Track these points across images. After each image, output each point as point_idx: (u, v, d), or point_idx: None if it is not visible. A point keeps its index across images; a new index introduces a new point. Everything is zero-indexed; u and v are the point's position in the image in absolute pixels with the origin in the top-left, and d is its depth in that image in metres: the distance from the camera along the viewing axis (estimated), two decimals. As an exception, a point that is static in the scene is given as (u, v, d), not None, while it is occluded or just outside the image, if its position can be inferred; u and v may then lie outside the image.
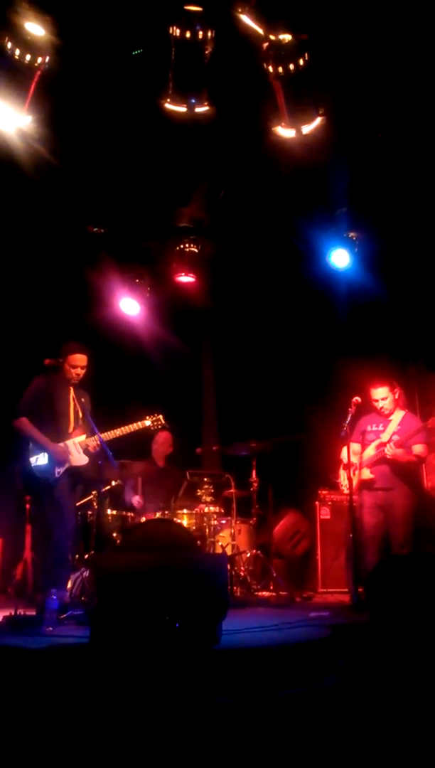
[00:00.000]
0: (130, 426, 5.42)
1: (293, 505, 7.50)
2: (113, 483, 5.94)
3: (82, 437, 5.02)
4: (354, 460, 5.46)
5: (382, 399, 5.53)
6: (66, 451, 4.90)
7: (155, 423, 5.67)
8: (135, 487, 6.33)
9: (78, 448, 4.97)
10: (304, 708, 3.01)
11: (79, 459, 4.96)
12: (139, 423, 5.53)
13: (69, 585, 5.14)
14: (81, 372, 5.08)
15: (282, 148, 5.09)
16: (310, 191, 6.14)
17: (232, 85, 4.90)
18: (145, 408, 5.76)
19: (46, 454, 4.84)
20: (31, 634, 3.92)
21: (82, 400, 5.13)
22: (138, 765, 2.49)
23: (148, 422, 5.61)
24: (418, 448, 5.39)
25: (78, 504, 5.43)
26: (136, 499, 6.23)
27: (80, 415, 5.06)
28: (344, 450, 5.42)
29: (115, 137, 5.45)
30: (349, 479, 5.34)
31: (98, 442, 4.93)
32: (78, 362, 5.06)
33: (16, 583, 6.16)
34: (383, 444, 5.42)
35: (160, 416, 5.72)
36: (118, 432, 5.28)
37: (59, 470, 4.85)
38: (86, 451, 5.00)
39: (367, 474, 5.46)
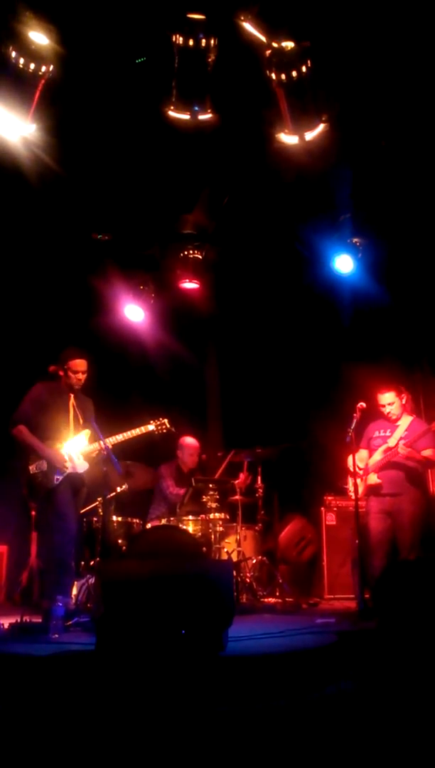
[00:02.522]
0: (134, 431, 5.39)
1: (299, 511, 7.48)
2: (118, 489, 5.93)
3: (83, 443, 5.01)
4: (360, 465, 5.44)
5: (389, 404, 5.52)
6: (64, 457, 4.90)
7: (160, 427, 5.62)
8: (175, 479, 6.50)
9: (78, 454, 4.97)
10: (311, 716, 2.99)
11: (79, 465, 4.96)
12: (143, 428, 5.49)
13: (75, 592, 5.14)
14: (82, 377, 5.08)
15: (285, 154, 5.10)
16: (314, 197, 6.15)
17: (235, 93, 4.92)
18: (149, 415, 5.72)
19: (45, 461, 4.85)
20: (37, 641, 3.92)
21: (85, 406, 5.13)
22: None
23: (151, 426, 5.56)
24: (427, 453, 5.36)
25: (83, 511, 5.42)
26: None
27: (80, 421, 5.06)
28: (350, 456, 5.41)
29: (119, 145, 5.47)
30: (355, 485, 5.33)
31: (101, 448, 4.92)
32: (79, 367, 5.06)
33: (22, 591, 6.15)
34: (390, 449, 5.41)
35: (166, 420, 5.66)
36: (121, 437, 5.27)
37: (58, 477, 4.85)
38: (86, 457, 4.99)
39: (374, 479, 5.45)
